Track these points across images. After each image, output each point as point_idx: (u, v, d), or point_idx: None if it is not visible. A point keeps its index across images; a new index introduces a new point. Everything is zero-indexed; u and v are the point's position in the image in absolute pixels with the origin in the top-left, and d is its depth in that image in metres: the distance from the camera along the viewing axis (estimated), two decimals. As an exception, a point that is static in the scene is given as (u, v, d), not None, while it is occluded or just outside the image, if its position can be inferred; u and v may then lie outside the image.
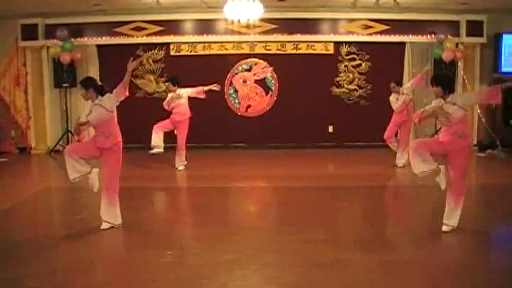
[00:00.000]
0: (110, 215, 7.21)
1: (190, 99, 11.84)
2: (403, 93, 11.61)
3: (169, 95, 11.72)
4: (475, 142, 14.43)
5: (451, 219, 6.81)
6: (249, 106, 14.97)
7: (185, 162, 11.91)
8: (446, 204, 6.86)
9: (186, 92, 11.71)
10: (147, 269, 5.65)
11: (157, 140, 11.73)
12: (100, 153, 7.17)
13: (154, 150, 11.70)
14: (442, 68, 13.94)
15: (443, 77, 7.23)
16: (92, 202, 9.02)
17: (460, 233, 6.76)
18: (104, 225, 7.18)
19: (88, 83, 7.29)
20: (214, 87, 11.95)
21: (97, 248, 6.66)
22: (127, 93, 7.22)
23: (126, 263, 5.97)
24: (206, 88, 11.85)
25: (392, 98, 11.72)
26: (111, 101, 7.13)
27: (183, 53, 14.71)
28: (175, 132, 11.83)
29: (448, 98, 6.74)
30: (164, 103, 11.64)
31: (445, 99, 6.76)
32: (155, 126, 11.75)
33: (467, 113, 6.81)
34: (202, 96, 11.90)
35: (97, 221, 7.24)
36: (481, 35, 14.06)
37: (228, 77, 14.84)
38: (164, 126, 11.77)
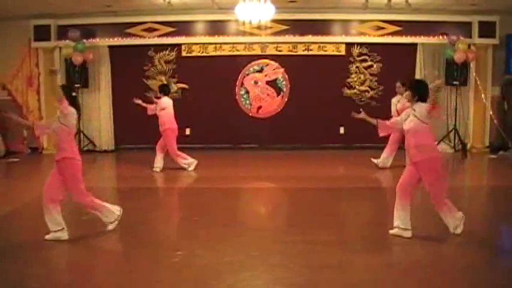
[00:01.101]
0: (104, 213, 7.19)
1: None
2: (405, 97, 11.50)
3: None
4: (487, 144, 14.39)
5: (450, 225, 6.77)
6: (260, 107, 14.98)
7: (193, 161, 11.92)
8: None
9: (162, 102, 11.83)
10: (153, 270, 5.66)
11: (160, 163, 11.87)
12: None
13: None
14: (454, 69, 13.89)
15: (416, 83, 6.99)
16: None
17: (466, 234, 6.72)
18: (110, 227, 7.21)
19: (63, 89, 7.01)
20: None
21: (103, 249, 6.68)
22: (37, 133, 7.26)
23: (132, 263, 5.98)
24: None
25: (394, 100, 11.64)
26: (62, 115, 6.84)
27: (194, 54, 14.76)
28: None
29: (414, 106, 6.70)
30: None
31: (412, 106, 6.74)
32: (157, 146, 11.89)
33: (424, 125, 6.62)
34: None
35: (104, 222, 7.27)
36: (493, 36, 13.99)
37: (239, 78, 14.86)
38: (163, 144, 11.90)
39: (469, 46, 14.06)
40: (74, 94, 7.10)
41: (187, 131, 14.74)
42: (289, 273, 5.52)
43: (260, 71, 14.88)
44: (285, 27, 14.40)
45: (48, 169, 7.52)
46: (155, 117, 11.83)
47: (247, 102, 14.96)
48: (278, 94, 14.93)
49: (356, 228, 7.51)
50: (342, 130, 14.89)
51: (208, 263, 5.82)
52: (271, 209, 9.26)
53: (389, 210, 8.51)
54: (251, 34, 14.46)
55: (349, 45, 14.64)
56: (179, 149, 11.89)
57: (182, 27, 14.51)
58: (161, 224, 7.99)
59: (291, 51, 14.69)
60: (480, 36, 14.03)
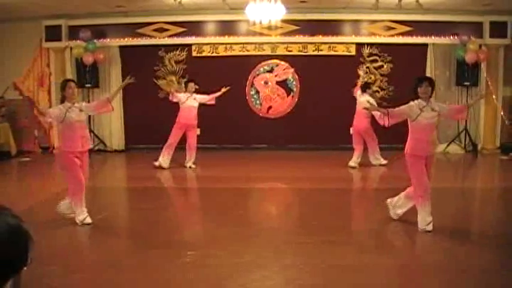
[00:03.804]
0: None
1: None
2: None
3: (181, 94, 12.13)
4: (498, 145, 14.33)
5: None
6: (270, 107, 14.98)
7: (163, 164, 12.02)
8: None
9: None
10: (166, 269, 5.68)
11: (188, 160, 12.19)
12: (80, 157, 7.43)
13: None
14: (464, 69, 13.84)
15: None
16: (114, 202, 9.12)
17: (480, 237, 6.71)
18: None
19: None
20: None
21: (117, 248, 6.70)
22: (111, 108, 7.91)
23: (145, 262, 5.99)
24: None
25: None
26: (89, 109, 7.74)
27: (204, 54, 14.77)
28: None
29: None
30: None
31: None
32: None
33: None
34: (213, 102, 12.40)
35: (119, 221, 7.31)
36: (505, 36, 13.90)
37: (249, 78, 14.87)
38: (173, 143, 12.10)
39: (480, 46, 13.97)
40: None
41: (198, 131, 14.75)
42: (301, 274, 5.52)
43: (270, 71, 14.89)
44: (295, 27, 14.38)
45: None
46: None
47: (258, 102, 14.96)
48: (288, 94, 14.93)
49: (368, 229, 7.49)
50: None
51: (220, 263, 5.82)
52: (282, 209, 9.26)
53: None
54: (261, 34, 14.44)
55: (359, 46, 14.59)
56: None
57: (192, 28, 14.52)
58: (173, 224, 8.01)
59: (301, 51, 14.68)
60: (491, 36, 13.93)
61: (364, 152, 12.25)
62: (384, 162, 12.17)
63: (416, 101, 6.92)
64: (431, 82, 7.00)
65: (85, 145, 7.41)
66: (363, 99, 11.56)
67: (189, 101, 11.92)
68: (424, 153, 6.88)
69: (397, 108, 7.07)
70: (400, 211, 7.30)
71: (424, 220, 6.87)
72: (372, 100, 11.56)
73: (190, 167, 12.07)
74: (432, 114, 6.85)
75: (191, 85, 12.04)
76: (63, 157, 7.53)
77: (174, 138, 12.00)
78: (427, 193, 6.89)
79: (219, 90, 12.42)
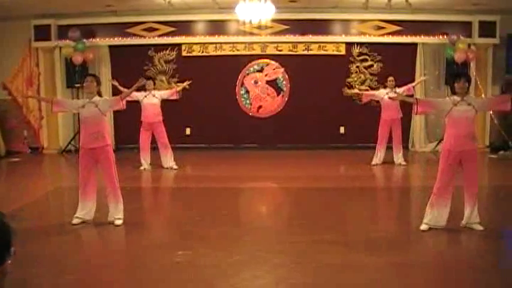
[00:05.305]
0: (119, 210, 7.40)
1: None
2: (395, 93, 11.71)
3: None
4: (487, 144, 14.38)
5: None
6: (260, 107, 14.97)
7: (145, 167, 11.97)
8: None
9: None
10: (157, 269, 5.66)
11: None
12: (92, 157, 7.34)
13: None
14: (454, 69, 13.88)
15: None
16: (103, 203, 9.08)
17: (470, 234, 6.73)
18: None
19: (99, 79, 7.65)
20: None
21: (107, 248, 6.70)
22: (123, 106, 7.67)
23: (136, 263, 5.98)
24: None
25: (382, 90, 12.06)
26: (106, 105, 7.42)
27: (194, 53, 14.74)
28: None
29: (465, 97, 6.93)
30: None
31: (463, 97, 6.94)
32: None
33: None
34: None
35: (108, 221, 7.29)
36: (494, 36, 13.95)
37: (239, 77, 14.85)
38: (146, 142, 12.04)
39: (469, 46, 14.04)
40: None
41: (188, 131, 14.75)
42: (292, 273, 5.52)
43: (260, 70, 14.87)
44: (285, 26, 14.39)
45: (50, 168, 7.56)
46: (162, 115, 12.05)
47: (248, 102, 14.95)
48: (278, 94, 14.92)
49: (360, 228, 7.49)
50: (342, 130, 14.88)
51: (211, 263, 5.81)
52: (273, 208, 9.26)
53: (392, 209, 8.56)
54: (251, 34, 14.43)
55: (349, 45, 14.62)
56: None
57: (182, 27, 14.49)
58: (164, 223, 8.00)
59: (291, 50, 14.68)
60: (480, 35, 13.99)
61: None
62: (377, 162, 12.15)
63: (451, 97, 6.98)
64: (468, 79, 6.96)
65: (95, 142, 7.21)
66: (385, 91, 11.85)
67: (148, 99, 11.82)
68: (459, 148, 6.70)
69: (427, 98, 7.10)
70: None
71: (439, 220, 6.87)
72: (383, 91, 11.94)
73: (172, 168, 11.88)
74: (467, 108, 6.72)
75: (149, 83, 11.99)
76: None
77: (141, 139, 11.95)
78: (440, 192, 6.86)
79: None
